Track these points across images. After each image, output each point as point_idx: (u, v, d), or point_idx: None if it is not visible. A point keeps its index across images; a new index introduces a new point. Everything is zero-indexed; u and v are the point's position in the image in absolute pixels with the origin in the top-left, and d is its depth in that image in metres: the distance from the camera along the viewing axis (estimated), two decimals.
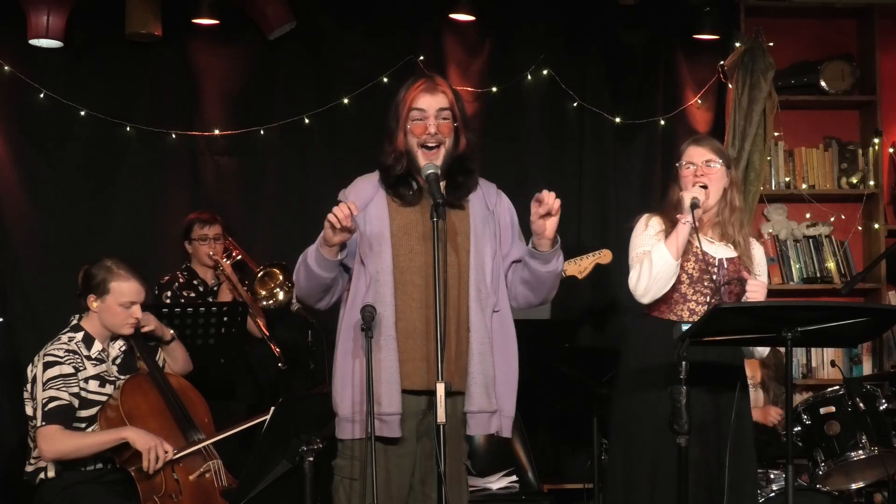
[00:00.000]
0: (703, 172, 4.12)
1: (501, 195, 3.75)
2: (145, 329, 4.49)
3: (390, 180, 3.60)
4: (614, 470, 4.20)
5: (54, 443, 4.19)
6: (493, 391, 3.59)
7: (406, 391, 3.53)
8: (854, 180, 6.45)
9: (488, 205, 3.69)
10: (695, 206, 3.99)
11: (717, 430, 4.04)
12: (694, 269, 4.08)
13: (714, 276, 4.08)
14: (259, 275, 5.69)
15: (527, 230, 3.65)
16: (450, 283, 3.53)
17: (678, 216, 4.04)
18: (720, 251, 4.15)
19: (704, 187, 4.09)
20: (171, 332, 4.62)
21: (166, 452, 4.14)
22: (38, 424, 4.20)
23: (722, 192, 4.16)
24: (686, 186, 4.12)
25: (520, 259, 3.67)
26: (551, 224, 3.51)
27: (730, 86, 6.28)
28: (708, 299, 4.08)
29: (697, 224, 4.02)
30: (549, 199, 3.48)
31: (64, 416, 4.21)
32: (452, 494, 3.49)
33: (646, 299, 4.07)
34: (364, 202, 3.58)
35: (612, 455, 4.24)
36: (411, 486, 3.58)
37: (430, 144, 3.55)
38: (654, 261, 4.00)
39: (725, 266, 4.12)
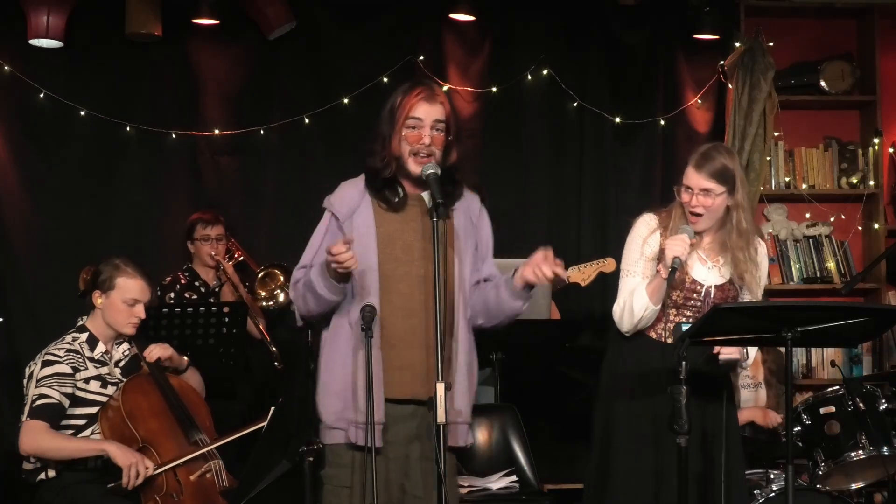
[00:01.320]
0: (697, 203, 3.98)
1: (483, 211, 3.74)
2: (162, 358, 4.42)
3: (377, 184, 3.58)
4: (590, 475, 4.17)
5: (36, 438, 4.18)
6: (469, 401, 3.59)
7: (389, 400, 3.50)
8: (854, 180, 6.45)
9: (472, 217, 3.68)
10: (674, 269, 3.86)
11: (705, 438, 4.03)
12: (679, 296, 4.04)
13: (698, 304, 4.05)
14: (259, 275, 5.70)
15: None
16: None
17: (658, 267, 3.95)
18: (710, 277, 4.06)
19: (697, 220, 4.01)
20: (187, 359, 4.58)
21: (147, 468, 4.12)
22: (24, 418, 4.20)
23: (723, 213, 4.02)
24: (685, 212, 4.02)
25: (488, 278, 3.66)
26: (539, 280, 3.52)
27: (730, 86, 6.29)
28: (690, 321, 4.05)
29: (693, 242, 3.96)
30: (556, 272, 3.49)
31: (51, 415, 4.20)
32: (452, 495, 3.49)
33: (630, 334, 4.07)
34: (350, 209, 3.58)
35: (590, 462, 4.19)
36: (404, 491, 3.56)
37: (422, 153, 3.54)
38: (635, 310, 3.97)
39: (712, 295, 4.05)
